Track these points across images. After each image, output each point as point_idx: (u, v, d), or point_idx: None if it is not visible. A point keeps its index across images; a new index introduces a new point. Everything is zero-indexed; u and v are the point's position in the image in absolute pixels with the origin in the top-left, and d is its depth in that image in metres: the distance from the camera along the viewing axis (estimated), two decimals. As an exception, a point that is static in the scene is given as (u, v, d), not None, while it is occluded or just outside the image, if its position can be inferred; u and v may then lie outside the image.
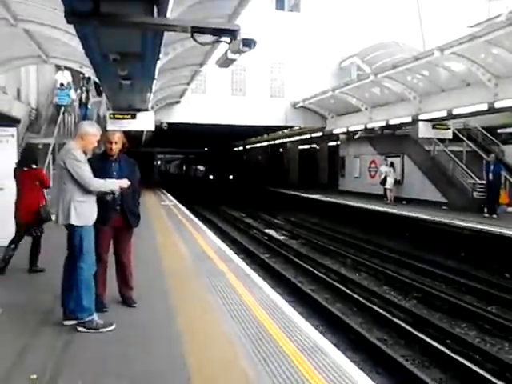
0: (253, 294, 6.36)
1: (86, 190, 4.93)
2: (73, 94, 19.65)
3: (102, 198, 5.19)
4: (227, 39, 6.61)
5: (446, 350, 6.94)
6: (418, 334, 7.55)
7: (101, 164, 5.32)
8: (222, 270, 7.80)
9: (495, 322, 8.30)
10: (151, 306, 5.83)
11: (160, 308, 5.76)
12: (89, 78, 19.98)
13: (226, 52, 6.95)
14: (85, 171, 4.91)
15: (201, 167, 50.69)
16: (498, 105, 14.33)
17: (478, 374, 6.25)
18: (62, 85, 19.12)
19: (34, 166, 7.44)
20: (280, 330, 5.06)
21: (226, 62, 7.34)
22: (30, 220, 7.18)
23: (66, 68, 19.02)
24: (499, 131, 20.76)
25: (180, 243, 10.23)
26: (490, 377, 6.12)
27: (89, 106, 19.89)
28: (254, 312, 5.63)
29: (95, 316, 5.02)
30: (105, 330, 4.95)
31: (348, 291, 10.06)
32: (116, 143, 5.43)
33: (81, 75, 19.65)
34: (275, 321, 5.35)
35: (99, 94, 20.32)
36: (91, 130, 5.17)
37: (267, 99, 25.14)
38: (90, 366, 4.18)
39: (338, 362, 4.35)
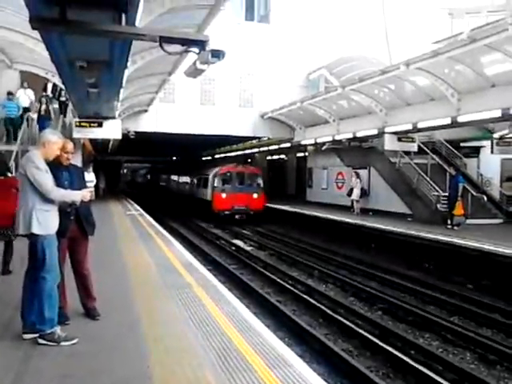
0: (219, 306, 6.30)
1: (47, 199, 4.82)
2: (25, 103, 18.50)
3: (62, 209, 5.08)
4: (196, 50, 6.60)
5: (409, 361, 7.02)
6: (382, 344, 7.62)
7: (52, 172, 5.17)
8: (188, 281, 7.72)
9: (457, 333, 8.46)
10: (115, 318, 5.71)
11: (124, 320, 5.64)
12: (53, 91, 19.52)
13: (194, 62, 6.92)
14: (44, 179, 4.80)
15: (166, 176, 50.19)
16: (460, 119, 14.72)
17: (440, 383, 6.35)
18: (9, 94, 17.27)
19: (9, 175, 7.35)
20: (246, 343, 5.03)
21: (194, 73, 7.31)
22: (5, 224, 7.01)
23: (29, 87, 18.43)
24: (462, 145, 21.34)
25: (146, 253, 10.09)
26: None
27: (52, 118, 18.89)
28: (221, 324, 5.58)
29: (57, 328, 4.88)
30: (67, 343, 4.81)
31: (315, 302, 10.10)
32: (72, 153, 5.39)
33: (43, 91, 19.19)
34: (241, 333, 5.32)
35: (62, 110, 19.49)
36: (53, 138, 5.08)
37: (236, 109, 25.20)
38: (51, 382, 4.05)
39: (303, 374, 4.34)
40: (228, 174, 25.10)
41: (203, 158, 45.81)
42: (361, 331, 8.28)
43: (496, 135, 19.18)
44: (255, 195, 24.37)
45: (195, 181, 28.95)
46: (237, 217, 24.06)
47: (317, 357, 7.46)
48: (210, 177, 25.20)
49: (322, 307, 9.73)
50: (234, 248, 17.77)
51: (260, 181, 25.15)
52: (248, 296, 10.83)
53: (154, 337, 5.10)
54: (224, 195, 24.23)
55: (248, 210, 24.16)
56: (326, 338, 7.96)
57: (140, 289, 7.12)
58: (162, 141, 30.66)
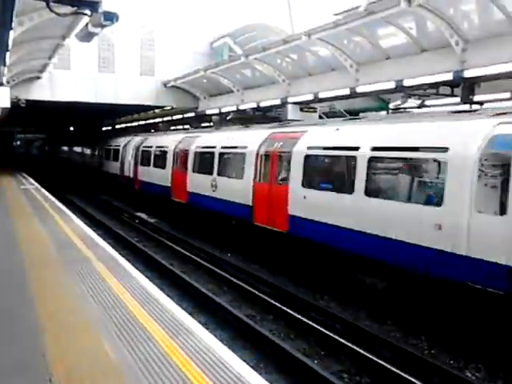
0: (119, 280, 6.14)
1: None
2: None
3: None
4: (87, 11, 6.21)
5: (309, 322, 7.33)
6: (284, 308, 7.87)
7: None
8: (87, 255, 7.43)
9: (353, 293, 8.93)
10: (9, 297, 5.39)
11: (19, 299, 5.34)
12: None
13: (86, 25, 6.53)
14: None
15: (66, 148, 47.48)
16: (358, 90, 15.22)
17: (338, 341, 6.70)
18: None
19: None
20: (147, 314, 4.96)
21: (87, 36, 6.92)
22: None
23: None
24: (361, 115, 22.20)
25: (41, 229, 9.58)
26: (349, 344, 6.60)
27: None
28: (121, 297, 5.45)
29: None
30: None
31: (219, 271, 10.19)
32: None
33: None
34: (142, 305, 5.23)
35: None
36: None
37: (137, 77, 24.31)
38: None
39: (204, 341, 4.37)
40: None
41: (103, 129, 44.01)
42: (263, 296, 8.48)
43: (391, 105, 20.14)
44: None
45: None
46: None
47: (221, 324, 7.54)
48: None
49: (227, 275, 9.83)
50: (137, 221, 17.39)
51: None
52: (151, 268, 10.68)
53: (49, 313, 4.88)
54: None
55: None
56: (229, 305, 8.05)
57: (34, 265, 6.75)
58: (58, 110, 28.92)
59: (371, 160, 8.16)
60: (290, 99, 18.77)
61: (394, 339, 6.99)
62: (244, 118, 23.86)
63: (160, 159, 18.39)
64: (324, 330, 7.05)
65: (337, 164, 9.61)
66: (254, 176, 11.56)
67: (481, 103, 11.56)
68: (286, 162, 10.53)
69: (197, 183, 14.71)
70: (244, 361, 4.18)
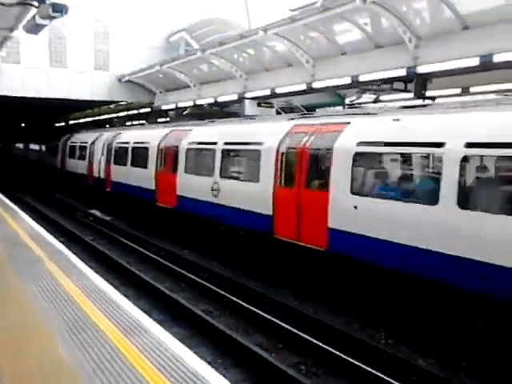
0: (72, 279, 5.98)
1: None
2: None
3: None
4: (35, 2, 5.99)
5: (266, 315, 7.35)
6: (242, 303, 7.86)
7: None
8: (38, 255, 7.19)
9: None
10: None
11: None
12: None
13: (33, 16, 6.31)
14: None
15: (22, 146, 45.81)
16: (315, 85, 15.34)
17: (295, 333, 6.75)
18: None
19: None
20: (101, 313, 4.85)
21: (34, 28, 6.70)
22: None
23: None
24: (318, 110, 22.39)
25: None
26: (307, 336, 6.65)
27: None
28: (74, 297, 5.30)
29: None
30: None
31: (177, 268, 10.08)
32: None
33: None
34: (96, 304, 5.10)
35: None
36: None
37: (91, 72, 23.71)
38: None
39: (160, 339, 4.30)
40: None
41: (56, 125, 42.82)
42: (222, 292, 8.45)
43: (347, 101, 20.42)
44: None
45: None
46: None
47: (179, 321, 7.47)
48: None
49: (185, 272, 9.75)
50: (91, 218, 17.03)
51: None
52: (106, 267, 10.48)
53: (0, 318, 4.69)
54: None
55: None
56: (187, 302, 7.99)
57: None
58: (8, 106, 27.92)
59: (465, 160, 6.32)
60: (247, 94, 18.74)
61: (352, 331, 7.10)
62: (202, 114, 23.71)
63: (140, 157, 15.88)
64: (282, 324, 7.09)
65: (406, 164, 7.90)
66: (274, 179, 9.47)
67: (433, 98, 11.87)
68: (322, 161, 8.63)
69: (190, 186, 12.57)
70: (201, 357, 4.15)
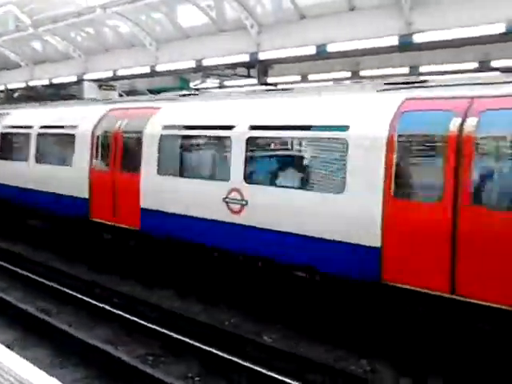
0: None
1: None
2: None
3: None
4: None
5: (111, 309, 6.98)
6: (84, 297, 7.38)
7: None
8: None
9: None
10: None
11: None
12: None
13: None
14: None
15: None
16: (158, 68, 14.97)
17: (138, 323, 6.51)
18: None
19: None
20: None
21: None
22: None
23: None
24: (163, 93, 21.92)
25: None
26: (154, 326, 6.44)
27: None
28: None
29: None
30: None
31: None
32: None
33: None
34: None
35: None
36: None
37: None
38: None
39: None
40: None
41: None
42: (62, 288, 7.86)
43: (192, 85, 20.30)
44: None
45: None
46: None
47: (10, 323, 6.73)
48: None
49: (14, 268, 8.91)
50: None
51: None
52: None
53: None
54: None
55: None
56: (19, 302, 7.25)
57: None
58: None
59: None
60: (86, 76, 17.72)
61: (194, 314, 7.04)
62: (36, 96, 21.83)
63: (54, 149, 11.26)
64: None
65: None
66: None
67: (275, 84, 12.27)
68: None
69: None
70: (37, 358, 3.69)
